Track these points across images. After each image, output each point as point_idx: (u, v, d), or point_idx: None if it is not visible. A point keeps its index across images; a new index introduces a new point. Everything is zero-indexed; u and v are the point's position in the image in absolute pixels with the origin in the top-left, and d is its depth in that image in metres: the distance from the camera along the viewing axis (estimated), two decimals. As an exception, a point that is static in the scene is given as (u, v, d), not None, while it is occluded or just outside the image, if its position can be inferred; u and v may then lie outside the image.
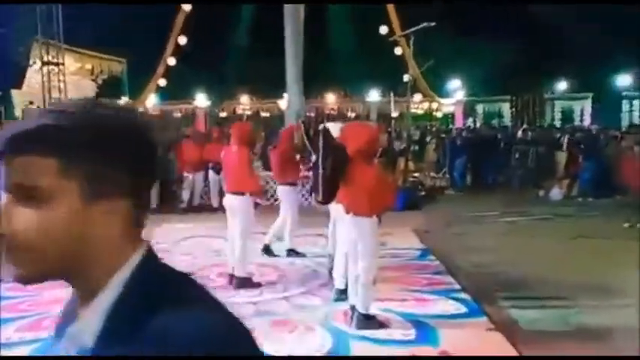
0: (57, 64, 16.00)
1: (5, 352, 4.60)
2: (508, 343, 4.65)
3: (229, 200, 6.26)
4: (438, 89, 24.69)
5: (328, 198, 4.89)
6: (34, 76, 15.92)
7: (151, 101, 26.55)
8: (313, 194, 4.93)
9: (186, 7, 22.74)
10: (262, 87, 25.15)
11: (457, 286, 6.21)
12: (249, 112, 26.62)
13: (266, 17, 18.94)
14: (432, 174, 14.71)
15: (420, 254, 7.70)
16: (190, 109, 26.78)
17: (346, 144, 4.98)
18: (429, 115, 26.04)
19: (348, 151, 4.91)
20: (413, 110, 26.22)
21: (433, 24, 13.09)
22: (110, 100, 1.02)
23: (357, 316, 4.95)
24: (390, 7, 22.37)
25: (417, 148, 17.40)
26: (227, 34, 23.77)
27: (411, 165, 15.29)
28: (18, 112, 14.10)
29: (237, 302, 5.71)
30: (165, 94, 25.89)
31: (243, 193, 6.11)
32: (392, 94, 18.11)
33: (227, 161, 6.31)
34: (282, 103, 24.85)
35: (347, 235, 5.06)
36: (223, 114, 27.40)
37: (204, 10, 22.18)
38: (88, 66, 24.29)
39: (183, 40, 22.37)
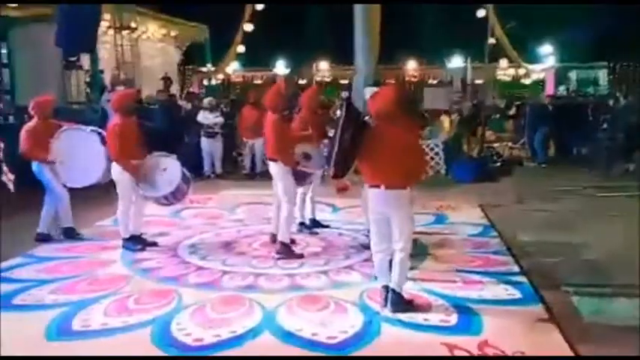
0: (130, 29, 16.21)
1: (37, 313, 4.57)
2: (561, 337, 4.09)
3: (270, 167, 6.25)
4: (526, 55, 23.16)
5: (342, 171, 4.44)
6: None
7: (232, 68, 26.67)
8: (326, 167, 4.50)
9: (263, -28, 22.43)
10: (341, 53, 24.49)
11: (515, 269, 5.63)
12: (328, 79, 26.21)
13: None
14: (510, 144, 13.77)
15: (481, 230, 7.10)
16: (271, 76, 26.71)
17: (371, 110, 4.55)
18: (518, 82, 24.61)
19: (372, 117, 4.48)
20: (499, 77, 24.89)
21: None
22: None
23: (392, 297, 4.53)
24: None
25: (497, 116, 16.39)
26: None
27: (490, 134, 14.43)
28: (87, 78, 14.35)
29: (274, 274, 5.46)
30: (247, 60, 25.92)
31: (276, 160, 6.04)
32: (468, 59, 17.08)
33: (264, 127, 6.19)
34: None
35: (375, 209, 4.56)
36: (303, 81, 27.13)
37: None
38: (173, 33, 24.58)
39: (260, 5, 22.10)
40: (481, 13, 21.00)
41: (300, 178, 6.35)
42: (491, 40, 21.30)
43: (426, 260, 5.89)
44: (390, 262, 4.59)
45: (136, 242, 6.31)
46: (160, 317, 4.44)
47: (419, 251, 6.07)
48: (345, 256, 6.04)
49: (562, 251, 6.26)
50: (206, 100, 12.16)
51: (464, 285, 5.14)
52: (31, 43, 12.79)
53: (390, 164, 4.38)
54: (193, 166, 11.53)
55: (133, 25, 19.88)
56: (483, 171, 10.93)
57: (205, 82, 25.30)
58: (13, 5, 13.40)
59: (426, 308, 4.61)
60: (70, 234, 6.72)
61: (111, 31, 17.98)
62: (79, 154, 6.39)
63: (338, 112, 4.47)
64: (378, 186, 4.45)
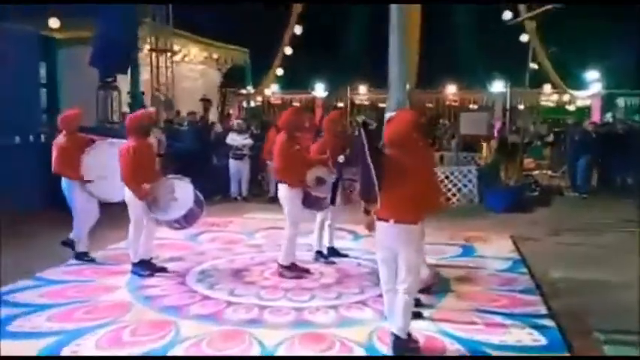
0: (165, 51, 16.35)
1: (30, 341, 4.38)
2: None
3: (278, 189, 6.17)
4: (571, 80, 22.43)
5: (374, 198, 4.11)
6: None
7: (272, 90, 26.77)
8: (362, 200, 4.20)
9: (302, -4, 22.52)
10: (380, 77, 24.18)
11: (543, 310, 5.17)
12: (366, 103, 25.97)
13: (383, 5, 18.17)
14: (550, 172, 13.17)
15: (510, 265, 6.65)
16: (309, 99, 26.70)
17: (384, 136, 4.25)
18: (562, 108, 23.82)
19: (385, 144, 4.18)
20: (543, 103, 24.16)
21: (560, 5, 11.65)
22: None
23: (394, 344, 4.15)
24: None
25: (538, 143, 15.78)
26: (343, 23, 23.23)
27: (529, 162, 13.88)
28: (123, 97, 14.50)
29: (281, 307, 5.15)
30: (285, 83, 25.98)
31: (283, 182, 5.96)
32: (508, 84, 16.58)
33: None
34: (400, 94, 23.90)
35: (383, 244, 4.22)
36: (341, 104, 26.99)
37: (319, -1, 21.81)
38: (215, 56, 24.84)
39: (299, 29, 22.12)
40: (524, 37, 20.50)
41: (313, 203, 6.08)
42: (534, 65, 20.76)
43: (446, 297, 5.49)
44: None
45: (145, 267, 6.11)
46: (153, 352, 4.18)
47: (440, 287, 5.70)
48: (360, 289, 5.69)
49: (596, 291, 5.78)
50: (236, 122, 12.07)
51: (485, 327, 4.72)
52: (75, 65, 12.99)
53: (401, 196, 4.04)
54: (221, 188, 11.47)
55: (175, 47, 20.18)
56: (519, 200, 10.42)
57: (245, 105, 25.43)
58: (56, 26, 13.66)
59: (438, 353, 4.22)
60: (81, 257, 6.59)
61: (153, 54, 18.31)
62: (112, 169, 6.16)
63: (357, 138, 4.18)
64: (386, 219, 4.12)
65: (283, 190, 5.99)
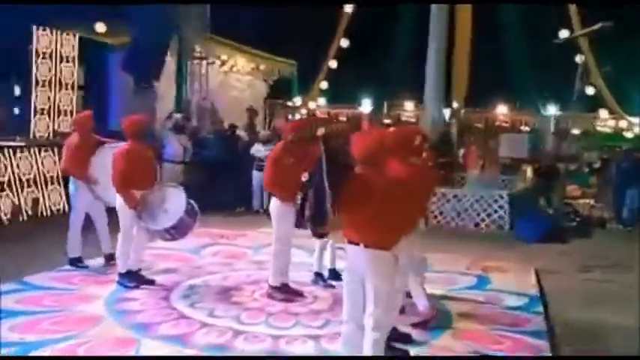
0: (201, 59, 16.40)
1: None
2: None
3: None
4: (629, 105, 21.25)
5: (325, 225, 3.70)
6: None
7: (318, 104, 26.59)
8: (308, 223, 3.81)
9: (348, 9, 22.25)
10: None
11: (549, 358, 4.61)
12: (413, 120, 25.42)
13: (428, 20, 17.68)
14: (592, 201, 12.32)
15: (525, 302, 6.04)
16: (356, 114, 26.42)
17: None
18: (619, 135, 22.58)
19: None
20: (599, 128, 22.97)
21: (609, 24, 10.92)
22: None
23: (361, 386, 3.71)
24: (572, 9, 19.65)
25: (586, 170, 14.87)
26: (390, 37, 22.80)
27: (573, 189, 13.04)
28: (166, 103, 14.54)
29: (258, 333, 4.77)
30: (331, 96, 25.75)
31: (273, 195, 5.71)
32: (558, 108, 15.75)
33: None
34: (447, 112, 23.28)
35: (350, 269, 3.81)
36: (388, 120, 26.52)
37: (365, 12, 21.47)
38: (262, 67, 24.90)
39: (345, 42, 21.83)
40: (580, 58, 19.54)
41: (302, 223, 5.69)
42: (589, 88, 19.74)
43: (442, 335, 4.98)
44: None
45: (132, 279, 5.86)
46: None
47: (439, 322, 5.19)
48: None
49: (616, 337, 5.14)
50: (262, 133, 11.82)
51: (475, 376, 4.21)
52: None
53: (370, 218, 3.63)
54: (245, 200, 11.22)
55: (223, 57, 20.25)
56: (554, 230, 9.69)
57: (290, 117, 25.33)
58: (103, 30, 13.78)
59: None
60: (74, 263, 6.42)
61: (202, 62, 18.43)
62: None
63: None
64: (356, 243, 3.71)
65: (273, 203, 5.69)
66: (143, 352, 4.25)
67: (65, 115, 10.91)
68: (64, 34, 10.91)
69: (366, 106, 25.55)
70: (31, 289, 5.64)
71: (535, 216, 9.98)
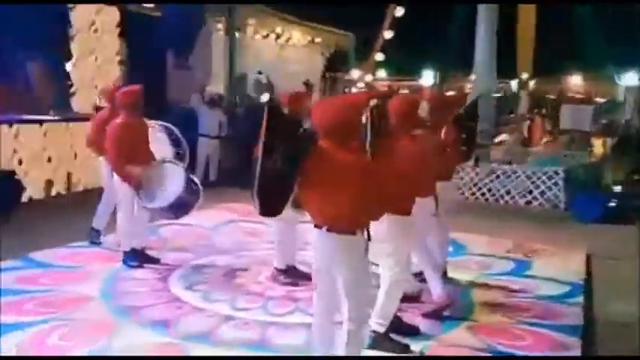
0: (255, 32, 16.08)
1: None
2: None
3: None
4: None
5: (273, 207, 3.20)
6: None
7: (372, 76, 25.82)
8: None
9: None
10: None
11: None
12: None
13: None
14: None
15: (565, 292, 5.34)
16: (416, 86, 25.52)
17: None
18: None
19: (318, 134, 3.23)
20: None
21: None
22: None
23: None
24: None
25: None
26: (442, 6, 21.65)
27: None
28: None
29: (248, 320, 4.38)
30: (391, 68, 24.94)
31: None
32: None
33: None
34: (514, 85, 21.99)
35: (317, 257, 3.33)
36: (451, 92, 25.47)
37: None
38: (318, 39, 24.38)
39: (400, 11, 20.87)
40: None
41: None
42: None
43: (457, 328, 4.41)
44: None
45: (136, 257, 5.58)
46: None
47: (456, 312, 4.63)
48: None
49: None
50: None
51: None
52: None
53: (336, 198, 3.13)
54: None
55: (278, 30, 19.86)
56: (618, 210, 8.72)
57: (347, 90, 24.75)
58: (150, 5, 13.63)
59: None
60: (93, 235, 6.19)
61: (257, 36, 18.14)
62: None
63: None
64: (319, 226, 3.22)
65: None
66: (116, 342, 3.93)
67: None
68: (106, 7, 10.77)
69: (426, 78, 24.57)
70: (34, 266, 5.46)
71: (596, 193, 9.02)
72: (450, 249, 6.52)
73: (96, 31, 10.85)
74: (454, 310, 4.66)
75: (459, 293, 5.11)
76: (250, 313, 4.54)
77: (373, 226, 3.70)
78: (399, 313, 4.29)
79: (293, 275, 5.29)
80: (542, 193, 9.29)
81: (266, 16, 18.56)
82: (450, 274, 5.50)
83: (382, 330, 4.00)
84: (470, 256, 6.44)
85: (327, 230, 3.15)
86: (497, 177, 9.59)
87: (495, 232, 7.47)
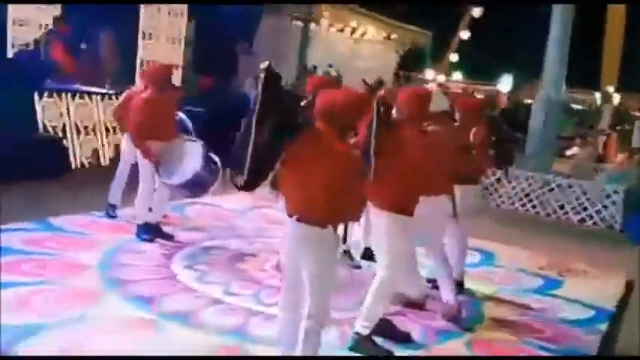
0: (329, 25, 16.01)
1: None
2: None
3: None
4: None
5: (255, 183, 3.00)
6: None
7: (450, 77, 25.18)
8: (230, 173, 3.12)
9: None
10: (575, 73, 21.28)
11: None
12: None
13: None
14: None
15: (588, 317, 4.88)
16: (493, 91, 24.71)
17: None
18: None
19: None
20: None
21: None
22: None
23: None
24: None
25: None
26: (528, 9, 20.68)
27: None
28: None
29: (236, 307, 4.24)
30: (466, 70, 24.20)
31: None
32: None
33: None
34: (598, 97, 20.79)
35: (284, 246, 3.13)
36: (529, 100, 24.44)
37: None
38: (394, 36, 24.03)
39: (477, 12, 20.08)
40: None
41: None
42: None
43: (454, 340, 4.12)
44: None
45: (149, 231, 5.54)
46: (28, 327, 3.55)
47: (461, 324, 4.30)
48: (356, 305, 4.48)
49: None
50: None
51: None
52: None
53: (312, 187, 2.92)
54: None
55: (353, 24, 19.69)
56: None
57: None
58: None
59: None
60: (108, 209, 6.19)
61: (332, 29, 18.06)
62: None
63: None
64: (289, 214, 3.01)
65: None
66: (93, 309, 3.88)
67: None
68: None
69: (505, 83, 23.65)
70: (47, 229, 5.51)
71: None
72: (477, 258, 6.22)
73: (167, 11, 11.05)
74: (459, 322, 4.34)
75: (470, 305, 4.76)
76: (240, 299, 4.39)
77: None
78: (395, 318, 4.07)
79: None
80: (598, 211, 8.63)
81: (342, 10, 18.40)
82: (470, 284, 5.17)
83: (366, 332, 3.76)
84: (496, 268, 6.05)
85: (297, 220, 2.95)
86: (552, 190, 8.99)
87: (538, 246, 6.98)
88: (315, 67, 17.49)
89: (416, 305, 4.45)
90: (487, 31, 20.44)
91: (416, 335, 4.10)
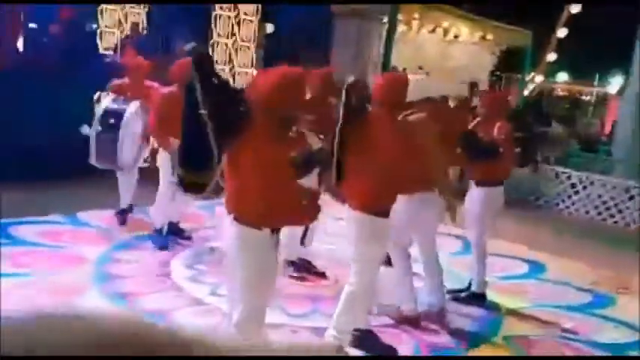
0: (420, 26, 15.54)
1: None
2: None
3: None
4: None
5: (191, 181, 2.75)
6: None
7: (553, 78, 23.74)
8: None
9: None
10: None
11: None
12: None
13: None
14: None
15: (628, 343, 4.17)
16: (601, 94, 23.10)
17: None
18: None
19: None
20: None
21: None
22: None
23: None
24: None
25: None
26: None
27: None
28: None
29: (214, 308, 4.01)
30: (565, 71, 22.67)
31: None
32: None
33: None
34: None
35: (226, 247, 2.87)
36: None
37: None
38: (490, 37, 23.07)
39: (575, 7, 18.58)
40: None
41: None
42: None
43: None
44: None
45: (161, 239, 5.27)
46: None
47: (461, 341, 3.83)
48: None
49: None
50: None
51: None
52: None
53: (245, 186, 2.72)
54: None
55: (445, 25, 19.07)
56: None
57: (526, 93, 22.96)
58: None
59: None
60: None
61: (422, 31, 17.57)
62: None
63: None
64: (228, 211, 2.80)
65: None
66: (70, 303, 3.81)
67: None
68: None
69: (614, 85, 21.91)
70: (71, 223, 5.57)
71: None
72: (524, 269, 5.64)
73: (237, 14, 11.17)
74: (459, 337, 3.87)
75: (484, 320, 4.24)
76: (222, 300, 4.15)
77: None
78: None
79: (303, 269, 4.80)
80: (620, 210, 7.64)
81: (431, 10, 17.82)
82: (500, 297, 4.65)
83: (335, 343, 3.38)
84: (541, 281, 5.43)
85: (234, 219, 2.69)
86: (631, 198, 8.00)
87: (604, 260, 6.17)
88: (403, 69, 17.03)
89: (411, 321, 4.01)
90: (583, 28, 18.98)
91: (407, 351, 3.67)
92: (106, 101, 5.61)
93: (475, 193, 4.51)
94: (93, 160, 5.36)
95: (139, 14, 10.55)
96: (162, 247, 5.21)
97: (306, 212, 2.90)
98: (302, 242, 3.44)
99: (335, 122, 3.27)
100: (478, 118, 4.61)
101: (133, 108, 5.39)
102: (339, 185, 3.32)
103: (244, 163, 2.68)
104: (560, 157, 10.11)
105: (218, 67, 10.59)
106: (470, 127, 4.58)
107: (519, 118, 4.78)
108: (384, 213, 3.35)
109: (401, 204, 3.88)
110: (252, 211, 2.68)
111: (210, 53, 10.84)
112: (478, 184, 4.51)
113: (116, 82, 5.60)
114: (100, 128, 5.35)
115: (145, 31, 10.61)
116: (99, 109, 5.58)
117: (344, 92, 3.29)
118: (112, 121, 5.33)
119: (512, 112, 4.83)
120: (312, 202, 2.93)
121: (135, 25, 10.49)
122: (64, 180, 6.17)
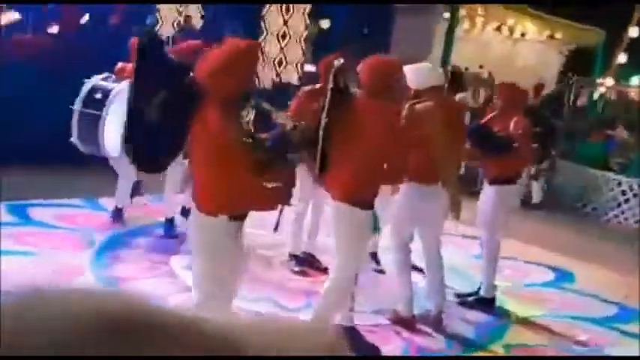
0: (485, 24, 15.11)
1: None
2: None
3: None
4: None
5: (147, 160, 2.67)
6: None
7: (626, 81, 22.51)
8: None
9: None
10: None
11: None
12: None
13: None
14: None
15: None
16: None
17: None
18: None
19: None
20: None
21: None
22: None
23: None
24: None
25: None
26: None
27: None
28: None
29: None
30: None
31: None
32: None
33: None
34: None
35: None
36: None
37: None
38: (558, 35, 22.23)
39: (650, 3, 17.46)
40: None
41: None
42: None
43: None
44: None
45: (172, 229, 5.20)
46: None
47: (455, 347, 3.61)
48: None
49: None
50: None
51: None
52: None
53: (200, 172, 2.68)
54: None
55: (510, 23, 18.51)
56: None
57: (595, 96, 21.92)
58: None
59: None
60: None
61: (487, 28, 17.09)
62: None
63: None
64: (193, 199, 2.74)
65: None
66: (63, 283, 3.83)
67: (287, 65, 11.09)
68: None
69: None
70: (91, 207, 5.66)
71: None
72: (550, 276, 5.32)
73: (287, 9, 11.13)
74: (454, 342, 3.64)
75: (486, 327, 3.98)
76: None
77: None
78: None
79: (306, 264, 4.67)
80: None
81: (496, 8, 17.28)
82: (512, 304, 4.38)
83: None
84: (565, 290, 5.08)
85: (196, 207, 2.62)
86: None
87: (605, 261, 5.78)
88: (465, 68, 16.57)
89: (406, 323, 3.81)
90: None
91: (395, 352, 3.48)
92: (96, 78, 5.11)
93: (488, 192, 4.26)
94: (74, 139, 4.97)
95: (196, 8, 10.68)
96: (172, 236, 5.19)
97: (270, 197, 2.78)
98: (275, 229, 3.30)
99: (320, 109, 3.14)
100: (494, 112, 4.35)
101: (123, 85, 4.65)
102: (321, 175, 3.18)
103: (197, 148, 2.60)
104: (623, 164, 9.52)
105: (268, 63, 10.60)
106: (484, 120, 4.34)
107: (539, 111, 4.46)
108: (365, 204, 3.17)
109: (402, 194, 3.73)
110: (206, 198, 2.59)
111: (261, 48, 10.87)
112: (491, 182, 4.26)
113: (121, 64, 5.14)
114: (82, 104, 4.88)
115: (197, 26, 10.75)
116: (87, 85, 5.05)
117: (331, 76, 3.14)
118: (97, 96, 4.87)
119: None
120: (280, 186, 2.81)
121: (188, 18, 10.65)
122: (94, 164, 6.31)
